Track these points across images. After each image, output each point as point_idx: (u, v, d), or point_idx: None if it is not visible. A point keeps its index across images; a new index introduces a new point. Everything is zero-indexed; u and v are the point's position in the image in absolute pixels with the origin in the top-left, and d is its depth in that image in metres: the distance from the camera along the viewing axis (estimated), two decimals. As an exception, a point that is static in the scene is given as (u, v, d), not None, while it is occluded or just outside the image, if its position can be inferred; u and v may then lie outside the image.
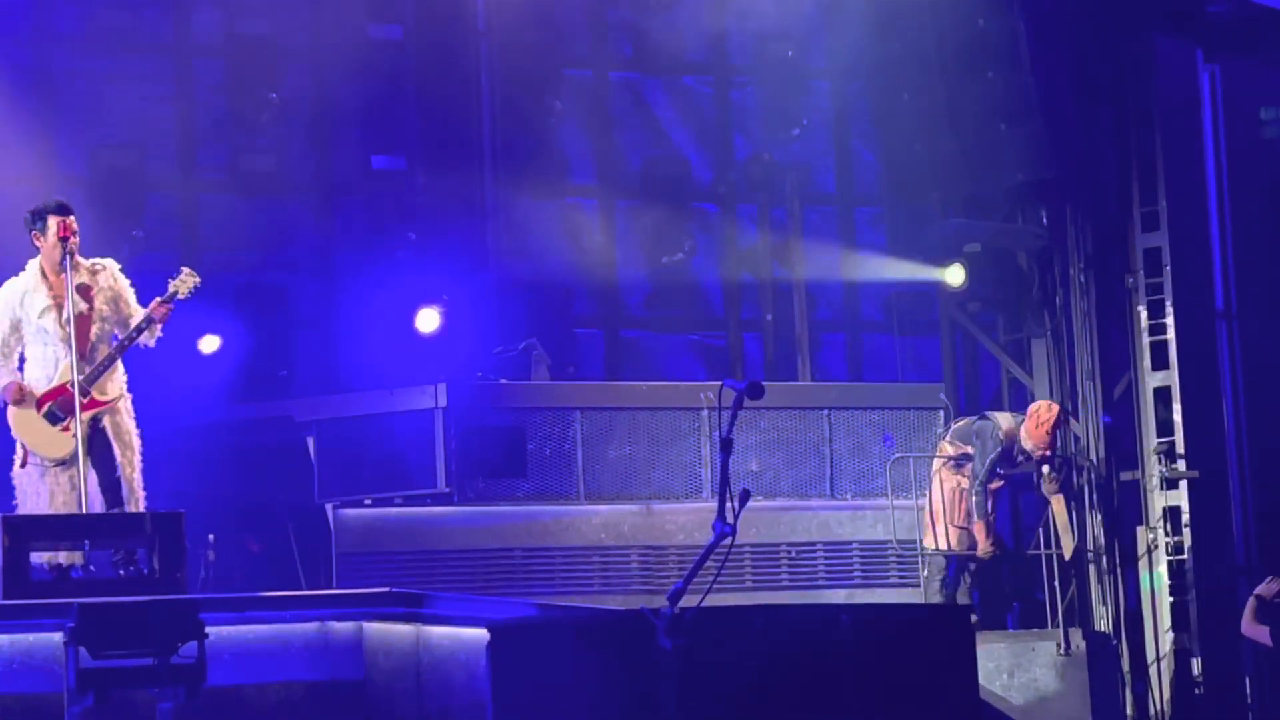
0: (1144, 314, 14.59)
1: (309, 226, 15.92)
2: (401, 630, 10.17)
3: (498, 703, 8.18)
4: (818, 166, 17.04)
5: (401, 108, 15.92)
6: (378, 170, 16.03)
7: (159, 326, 10.80)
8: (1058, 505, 13.71)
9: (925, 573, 13.66)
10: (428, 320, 14.88)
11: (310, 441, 13.80)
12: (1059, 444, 13.65)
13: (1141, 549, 14.40)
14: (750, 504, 7.62)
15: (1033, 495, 14.72)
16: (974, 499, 13.31)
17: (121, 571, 10.57)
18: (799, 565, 14.14)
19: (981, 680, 11.94)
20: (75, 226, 10.81)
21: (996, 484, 13.61)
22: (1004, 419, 13.67)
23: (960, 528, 13.46)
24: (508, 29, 16.08)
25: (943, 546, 13.47)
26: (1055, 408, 13.59)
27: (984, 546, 13.31)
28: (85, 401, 10.61)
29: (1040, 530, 14.20)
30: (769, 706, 7.73)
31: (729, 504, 7.49)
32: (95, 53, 15.44)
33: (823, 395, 14.70)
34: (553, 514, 13.70)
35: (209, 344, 14.69)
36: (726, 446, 7.65)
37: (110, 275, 10.90)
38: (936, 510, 13.50)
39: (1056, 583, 13.60)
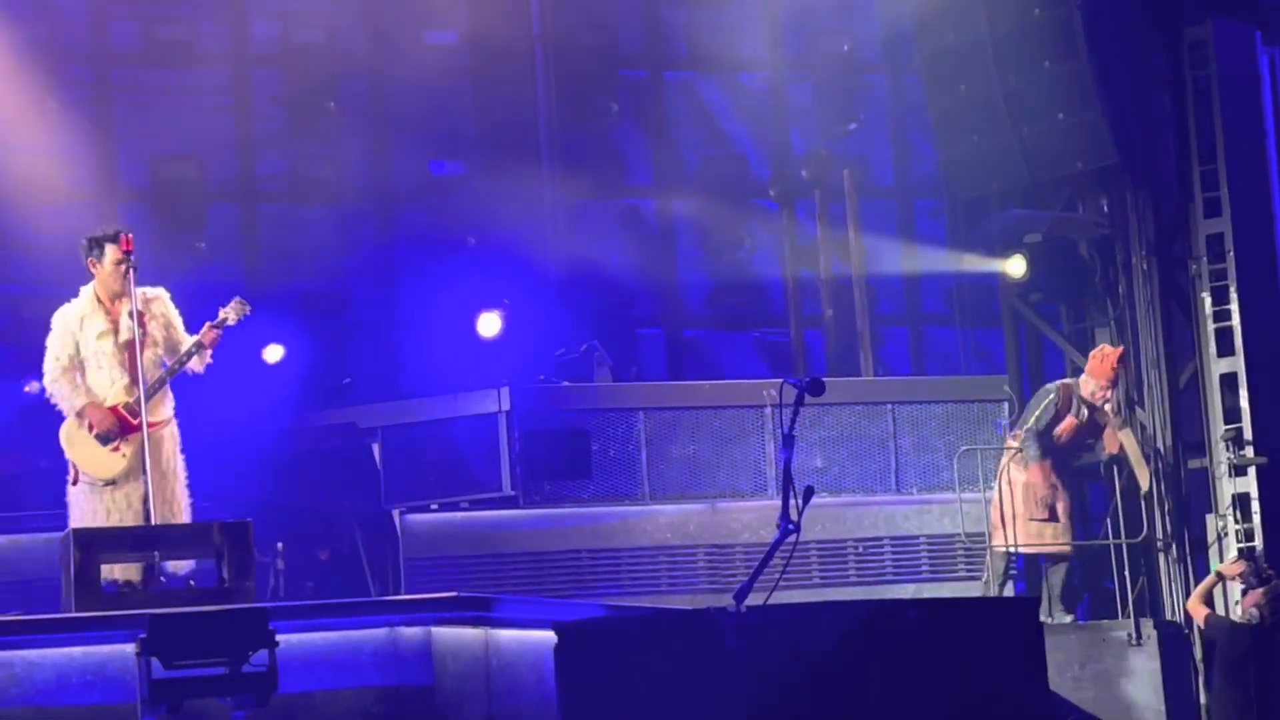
0: (1208, 300, 14.49)
1: (369, 233, 15.99)
2: (470, 634, 10.19)
3: (566, 704, 8.19)
4: (875, 160, 17.01)
5: (458, 112, 15.98)
6: (436, 176, 16.08)
7: (209, 353, 10.91)
8: (1128, 439, 13.65)
9: (985, 575, 13.56)
10: (489, 324, 14.92)
11: (375, 447, 13.85)
12: (1120, 381, 13.63)
13: (1211, 537, 14.31)
14: (816, 500, 7.62)
15: (1100, 485, 14.65)
16: (1028, 448, 13.30)
17: (191, 582, 10.65)
18: (866, 561, 14.11)
19: (1052, 672, 11.90)
20: (130, 249, 10.88)
21: (1066, 428, 13.40)
22: (1059, 381, 13.72)
23: (1032, 520, 13.35)
24: (562, 31, 16.12)
25: (1012, 543, 13.37)
26: (1120, 346, 13.63)
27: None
28: (135, 423, 10.73)
29: (1109, 520, 14.11)
30: (837, 703, 7.71)
31: (793, 501, 7.49)
32: (154, 66, 15.54)
33: (886, 390, 14.66)
34: (618, 515, 13.71)
35: (273, 353, 14.78)
36: (789, 444, 7.65)
37: (162, 303, 11.05)
38: (1006, 507, 13.35)
39: (1126, 572, 13.52)
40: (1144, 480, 13.74)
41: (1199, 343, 14.53)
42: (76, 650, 9.52)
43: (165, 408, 10.92)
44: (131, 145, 15.23)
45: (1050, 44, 14.34)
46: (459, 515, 13.50)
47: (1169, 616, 14.03)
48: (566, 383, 14.27)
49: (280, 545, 13.11)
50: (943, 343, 16.90)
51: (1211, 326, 14.47)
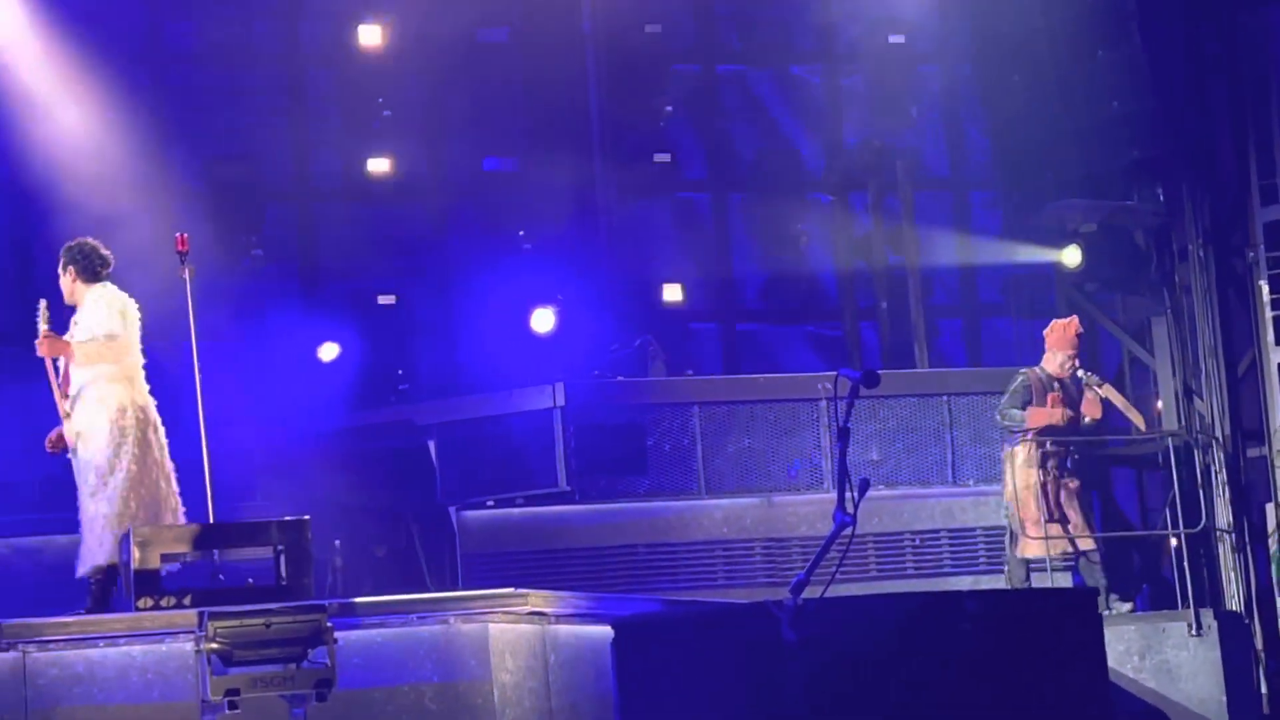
0: (1265, 288, 14.39)
1: (423, 231, 16.04)
2: (527, 629, 10.21)
3: (624, 699, 8.20)
4: (929, 151, 16.96)
5: (511, 110, 16.01)
6: (489, 172, 16.12)
7: (63, 359, 10.64)
8: (1110, 393, 13.48)
9: (1008, 582, 13.40)
10: (543, 320, 14.96)
11: (431, 444, 13.89)
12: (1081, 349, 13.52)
13: (1271, 526, 14.21)
14: (872, 493, 7.60)
15: (1158, 474, 14.58)
16: (1010, 421, 13.15)
17: (250, 579, 10.69)
18: (923, 553, 14.07)
19: (1112, 663, 11.85)
20: (186, 250, 10.89)
21: (1055, 409, 13.20)
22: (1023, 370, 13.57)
23: (1049, 523, 13.14)
24: (614, 27, 16.12)
25: (1033, 553, 13.15)
26: (1073, 315, 13.51)
27: (1059, 415, 13.09)
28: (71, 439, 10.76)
29: (1167, 510, 14.04)
30: (895, 696, 7.69)
31: (849, 494, 7.47)
32: (209, 67, 15.63)
33: (941, 382, 14.61)
34: (674, 509, 13.72)
35: (328, 351, 14.86)
36: (844, 436, 7.63)
37: (84, 308, 10.84)
38: (1029, 514, 13.12)
39: (1185, 563, 13.43)
40: (1141, 424, 13.60)
41: (1257, 331, 14.43)
42: (137, 648, 9.59)
43: (84, 416, 10.68)
44: (187, 147, 15.30)
45: (1104, 33, 14.27)
46: (515, 511, 13.54)
47: (1229, 606, 13.94)
48: (621, 378, 14.28)
49: (337, 542, 13.17)
50: (999, 333, 16.84)
51: (1269, 314, 14.36)
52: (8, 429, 11.26)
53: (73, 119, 14.69)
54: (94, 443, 10.60)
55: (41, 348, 10.62)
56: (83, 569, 10.56)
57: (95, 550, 10.50)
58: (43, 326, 10.64)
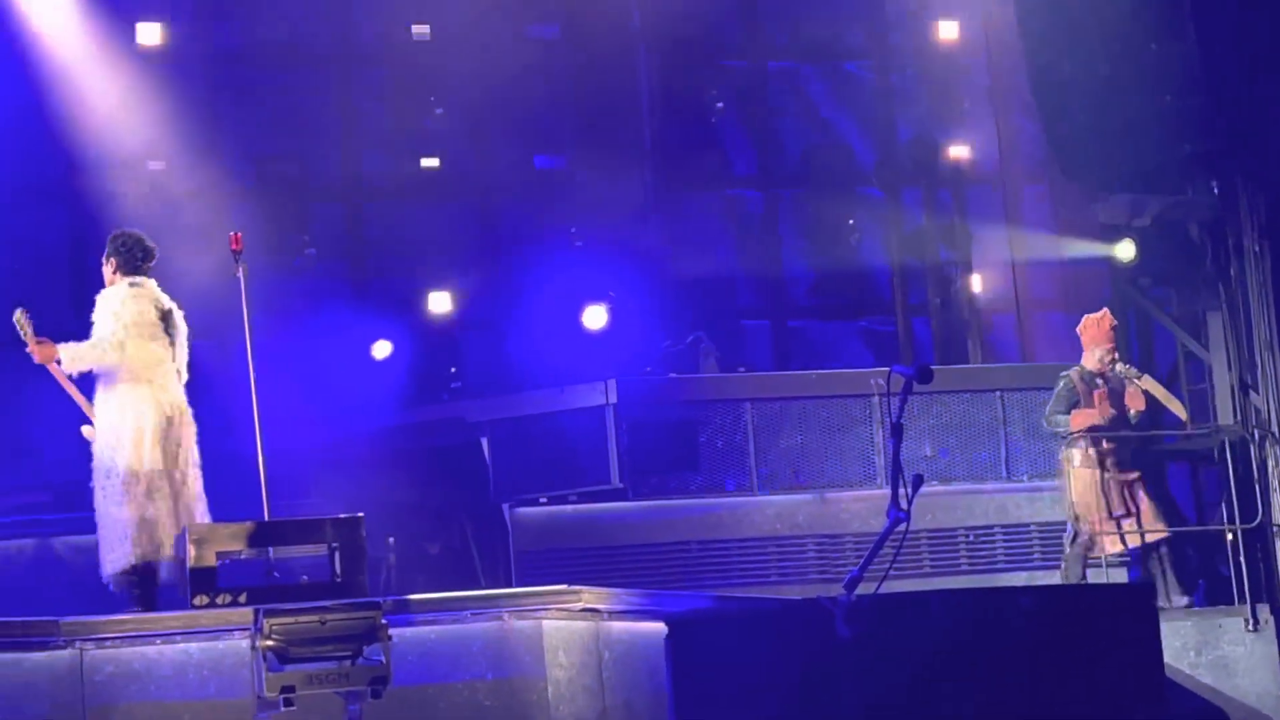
0: (1322, 281, 14.30)
1: (474, 229, 16.07)
2: (581, 626, 10.22)
3: (678, 695, 8.21)
4: (981, 146, 16.90)
5: (561, 107, 16.04)
6: (540, 170, 16.15)
7: (53, 365, 10.60)
8: (1150, 384, 13.38)
9: (1064, 575, 13.30)
10: (595, 317, 14.98)
11: (484, 442, 13.92)
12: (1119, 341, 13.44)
13: (1329, 521, 14.10)
14: (925, 489, 7.58)
15: (1213, 469, 14.48)
16: (1057, 427, 13.06)
17: (304, 577, 10.72)
18: (977, 549, 14.03)
19: (1169, 659, 11.80)
20: (239, 249, 10.82)
21: (1100, 405, 13.11)
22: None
23: (1112, 518, 13.07)
24: (662, 24, 16.13)
25: (1103, 552, 13.07)
26: (1104, 309, 13.42)
27: (1103, 411, 13.03)
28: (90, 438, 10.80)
29: (1223, 505, 13.96)
30: (949, 692, 7.68)
31: (902, 490, 7.46)
32: (259, 66, 15.69)
33: (995, 377, 14.56)
34: (727, 506, 13.71)
35: (381, 349, 14.90)
36: (897, 432, 7.62)
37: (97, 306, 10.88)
38: (1095, 513, 13.03)
39: (1242, 558, 13.35)
40: (1182, 413, 13.53)
41: (1313, 325, 14.33)
42: (194, 645, 9.64)
43: (98, 421, 10.70)
44: (238, 146, 15.37)
45: (1156, 26, 14.19)
46: (568, 508, 13.56)
47: (1286, 602, 13.85)
48: (673, 374, 14.28)
49: (391, 540, 13.20)
50: (1052, 328, 16.77)
51: (1326, 307, 14.26)
52: (70, 430, 11.30)
53: (123, 118, 14.77)
54: (99, 442, 10.62)
55: (35, 355, 10.58)
56: (104, 572, 10.55)
57: (105, 556, 10.50)
58: (28, 336, 10.56)
